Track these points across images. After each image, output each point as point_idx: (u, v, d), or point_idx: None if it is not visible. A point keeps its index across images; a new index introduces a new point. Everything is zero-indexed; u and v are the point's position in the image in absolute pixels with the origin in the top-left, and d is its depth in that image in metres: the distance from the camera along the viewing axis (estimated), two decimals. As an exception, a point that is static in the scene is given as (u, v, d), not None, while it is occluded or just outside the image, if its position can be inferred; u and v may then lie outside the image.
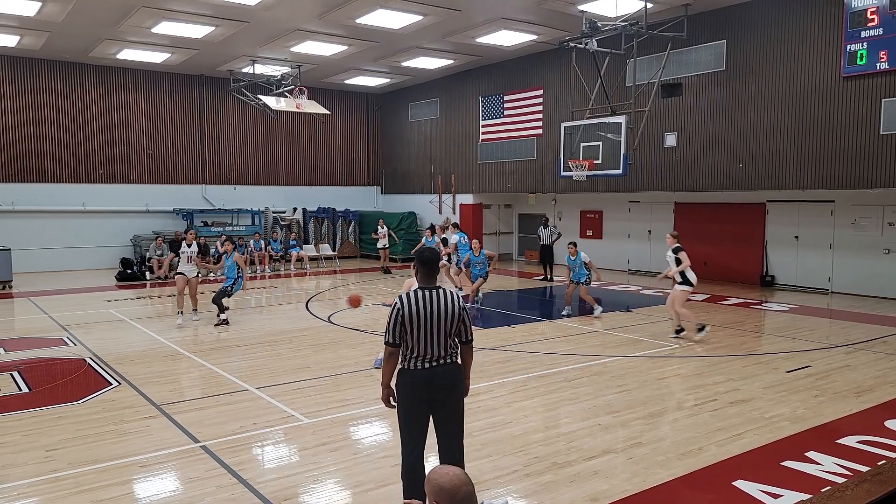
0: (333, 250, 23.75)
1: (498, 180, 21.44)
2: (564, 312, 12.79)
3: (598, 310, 12.73)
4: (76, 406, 7.27)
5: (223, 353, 9.86)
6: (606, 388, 7.85)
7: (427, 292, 4.40)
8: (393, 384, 4.53)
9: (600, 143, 15.00)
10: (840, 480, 5.13)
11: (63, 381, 8.46)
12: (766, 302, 14.37)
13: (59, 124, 20.40)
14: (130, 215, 21.40)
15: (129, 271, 18.72)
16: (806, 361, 9.08)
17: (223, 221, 22.41)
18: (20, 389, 7.97)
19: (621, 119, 14.51)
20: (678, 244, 10.39)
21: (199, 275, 12.57)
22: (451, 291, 4.50)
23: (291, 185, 24.68)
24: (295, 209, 24.20)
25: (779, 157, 14.33)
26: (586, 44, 13.90)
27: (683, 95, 15.93)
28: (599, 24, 13.73)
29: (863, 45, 12.81)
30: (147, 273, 18.69)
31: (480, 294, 14.35)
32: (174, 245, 11.67)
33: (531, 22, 15.99)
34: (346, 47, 18.23)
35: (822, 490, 2.69)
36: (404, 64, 20.51)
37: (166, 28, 16.25)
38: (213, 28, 16.27)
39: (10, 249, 17.11)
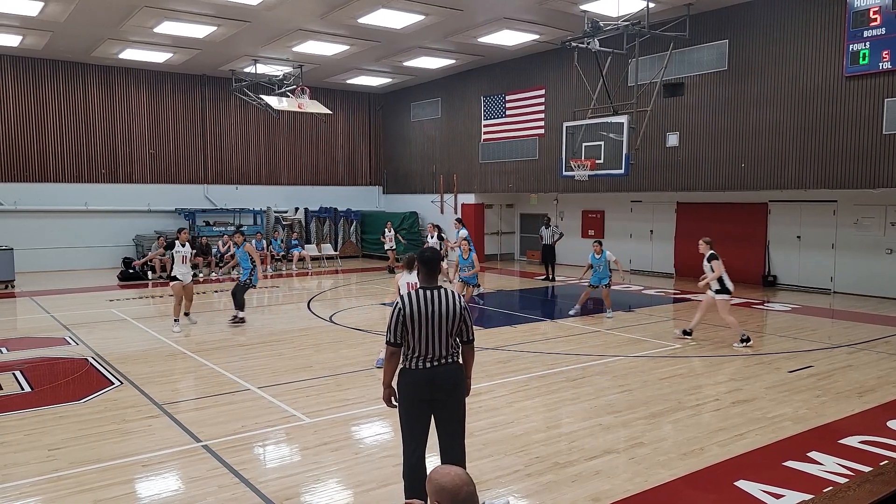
0: (335, 250, 23.79)
1: (500, 180, 21.43)
2: (572, 312, 12.75)
3: (610, 312, 12.64)
4: (78, 405, 7.27)
5: (225, 353, 9.86)
6: (608, 388, 7.85)
7: (428, 292, 4.40)
8: (394, 384, 4.54)
9: (602, 142, 15.00)
10: (842, 481, 5.11)
11: (65, 380, 8.47)
12: (769, 302, 14.35)
13: (61, 124, 20.42)
14: (132, 215, 21.42)
15: (130, 271, 18.75)
16: (808, 361, 9.06)
17: (225, 221, 22.42)
18: (22, 389, 7.99)
19: (623, 119, 14.51)
20: (713, 251, 9.99)
21: (200, 275, 12.57)
22: (452, 291, 4.50)
23: (293, 184, 24.69)
24: (297, 209, 24.21)
25: (781, 156, 14.31)
26: (588, 43, 13.89)
27: (685, 95, 15.91)
28: (601, 23, 13.73)
29: (865, 45, 12.79)
30: (149, 273, 18.74)
31: (481, 287, 14.19)
32: (169, 245, 11.70)
33: (533, 22, 15.99)
34: (347, 47, 18.24)
35: (824, 490, 2.68)
36: (406, 64, 20.52)
37: (168, 28, 16.27)
38: (215, 28, 16.29)
39: (12, 249, 17.14)
